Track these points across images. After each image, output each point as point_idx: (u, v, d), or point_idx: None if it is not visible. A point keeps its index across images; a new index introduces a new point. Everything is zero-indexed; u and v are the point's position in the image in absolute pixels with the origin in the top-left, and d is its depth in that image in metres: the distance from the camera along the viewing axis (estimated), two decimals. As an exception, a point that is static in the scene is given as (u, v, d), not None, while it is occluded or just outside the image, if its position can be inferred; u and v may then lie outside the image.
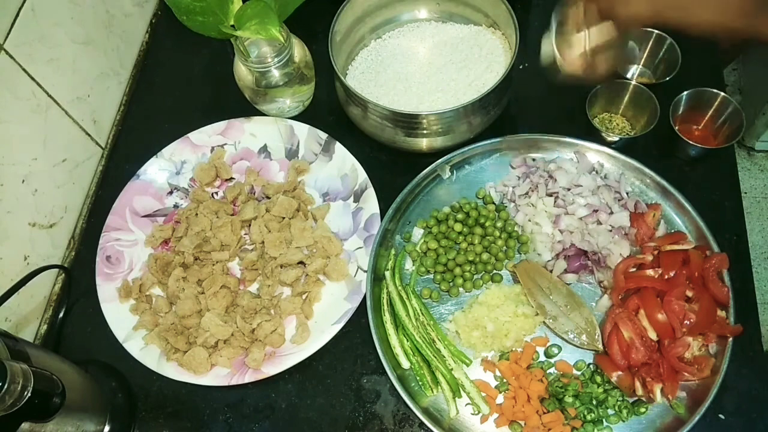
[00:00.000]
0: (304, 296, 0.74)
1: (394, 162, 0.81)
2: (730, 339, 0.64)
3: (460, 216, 0.75)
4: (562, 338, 0.69)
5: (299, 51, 0.80)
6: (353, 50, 0.85)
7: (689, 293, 0.66)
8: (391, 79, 0.81)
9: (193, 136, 0.83)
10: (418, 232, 0.76)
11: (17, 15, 0.68)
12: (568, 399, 0.65)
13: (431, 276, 0.74)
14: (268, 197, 0.80)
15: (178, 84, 0.93)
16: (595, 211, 0.73)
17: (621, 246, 0.71)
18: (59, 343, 0.75)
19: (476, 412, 0.66)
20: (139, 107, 0.91)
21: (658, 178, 0.74)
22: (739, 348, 0.64)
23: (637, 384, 0.64)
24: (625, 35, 0.58)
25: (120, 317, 0.73)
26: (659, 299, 0.66)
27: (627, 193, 0.75)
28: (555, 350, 0.69)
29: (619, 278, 0.69)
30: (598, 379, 0.66)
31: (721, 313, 0.66)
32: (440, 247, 0.74)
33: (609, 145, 0.77)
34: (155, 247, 0.78)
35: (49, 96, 0.75)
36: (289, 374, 0.70)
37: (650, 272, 0.68)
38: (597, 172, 0.77)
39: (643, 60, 0.85)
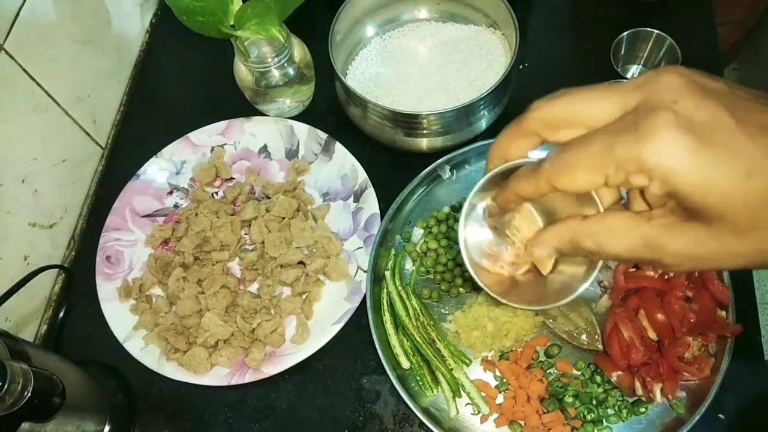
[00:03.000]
0: (304, 296, 0.74)
1: (394, 162, 0.81)
2: (730, 339, 0.64)
3: (460, 216, 0.75)
4: (562, 338, 0.69)
5: (299, 51, 0.80)
6: (353, 50, 0.85)
7: (689, 293, 0.66)
8: (391, 79, 0.81)
9: (193, 136, 0.83)
10: (418, 232, 0.76)
11: (17, 15, 0.68)
12: (568, 399, 0.65)
13: (431, 276, 0.74)
14: (268, 197, 0.80)
15: (178, 84, 0.93)
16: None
17: (621, 246, 0.71)
18: (59, 343, 0.75)
19: (476, 412, 0.66)
20: (139, 107, 0.91)
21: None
22: (739, 348, 0.64)
23: (637, 384, 0.64)
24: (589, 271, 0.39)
25: (120, 317, 0.73)
26: (659, 299, 0.66)
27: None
28: (555, 350, 0.68)
29: (619, 278, 0.68)
30: (598, 378, 0.66)
31: (721, 313, 0.66)
32: (440, 247, 0.74)
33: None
34: (155, 247, 0.78)
35: (49, 96, 0.75)
36: (289, 374, 0.70)
37: (650, 272, 0.68)
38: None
39: (643, 60, 0.85)
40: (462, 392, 0.67)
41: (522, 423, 0.65)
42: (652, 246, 0.31)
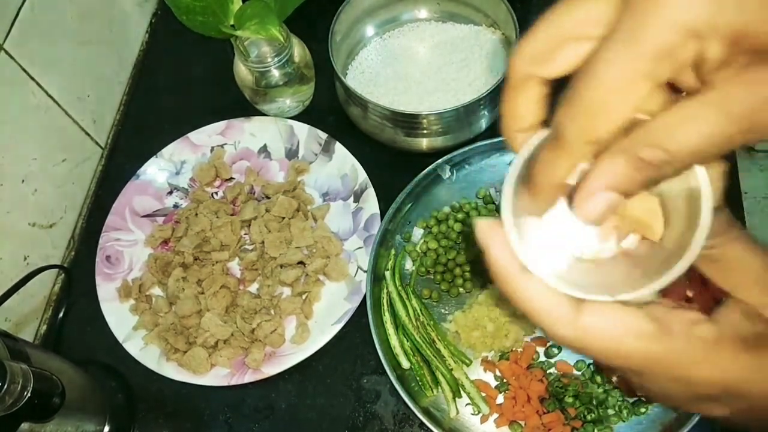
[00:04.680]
0: (304, 296, 0.74)
1: (394, 162, 0.81)
2: (731, 339, 0.64)
3: (460, 216, 0.75)
4: (562, 338, 0.69)
5: (299, 51, 0.80)
6: (353, 50, 0.85)
7: (689, 293, 0.66)
8: (391, 79, 0.81)
9: (193, 136, 0.83)
10: (418, 232, 0.76)
11: (17, 15, 0.68)
12: (569, 399, 0.65)
13: (431, 276, 0.74)
14: (268, 197, 0.80)
15: (177, 84, 0.93)
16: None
17: (621, 246, 0.71)
18: (59, 343, 0.75)
19: (476, 412, 0.66)
20: (138, 107, 0.91)
21: (659, 178, 0.74)
22: (739, 348, 0.64)
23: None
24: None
25: (120, 317, 0.73)
26: (659, 299, 0.66)
27: None
28: (555, 350, 0.68)
29: (620, 278, 0.68)
30: (599, 379, 0.66)
31: (721, 313, 0.66)
32: (440, 247, 0.74)
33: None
34: (155, 247, 0.78)
35: (49, 96, 0.75)
36: (289, 374, 0.70)
37: (650, 272, 0.68)
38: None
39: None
40: (462, 392, 0.67)
41: (522, 423, 0.65)
42: (732, 112, 0.23)
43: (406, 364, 0.68)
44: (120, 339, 0.71)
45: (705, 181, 0.26)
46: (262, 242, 0.76)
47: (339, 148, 0.80)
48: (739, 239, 0.29)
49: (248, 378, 0.68)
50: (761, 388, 0.27)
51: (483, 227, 0.30)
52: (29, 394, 0.49)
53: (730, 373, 0.27)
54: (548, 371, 0.68)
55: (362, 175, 0.78)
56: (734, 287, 0.29)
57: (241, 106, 0.84)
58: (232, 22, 0.73)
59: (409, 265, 0.75)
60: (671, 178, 0.25)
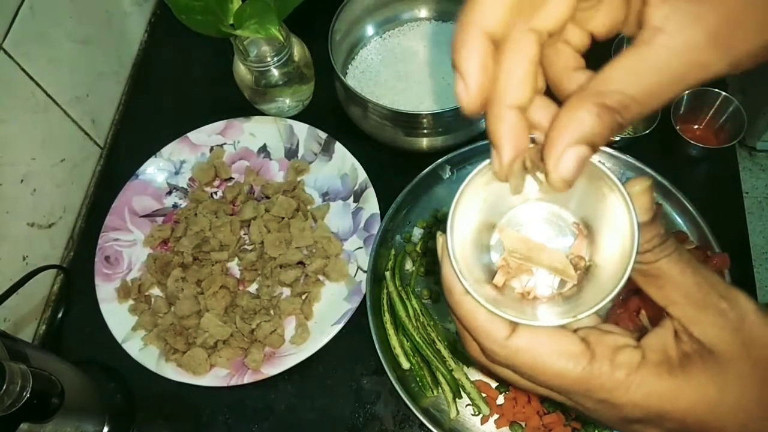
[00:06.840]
0: (303, 297, 0.74)
1: (394, 162, 0.81)
2: (732, 339, 0.64)
3: (460, 216, 0.75)
4: (563, 339, 0.68)
5: (299, 50, 0.79)
6: (353, 50, 0.85)
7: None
8: (391, 79, 0.81)
9: (192, 135, 0.83)
10: (418, 232, 0.76)
11: (16, 14, 0.68)
12: (569, 400, 0.65)
13: (431, 276, 0.74)
14: (268, 197, 0.79)
15: (177, 83, 0.93)
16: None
17: (622, 246, 0.71)
18: (58, 344, 0.74)
19: (477, 413, 0.66)
20: (137, 107, 0.91)
21: (660, 178, 0.74)
22: (740, 348, 0.64)
23: (638, 385, 0.64)
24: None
25: (119, 317, 0.73)
26: (660, 300, 0.66)
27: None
28: (555, 351, 0.68)
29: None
30: (599, 379, 0.66)
31: (722, 314, 0.66)
32: (440, 248, 0.74)
33: (610, 144, 0.77)
34: (154, 247, 0.78)
35: (48, 95, 0.74)
36: (289, 375, 0.70)
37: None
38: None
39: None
40: (462, 393, 0.67)
41: (523, 424, 0.65)
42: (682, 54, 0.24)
43: (406, 365, 0.68)
44: (119, 339, 0.71)
45: (633, 216, 0.27)
46: (262, 242, 0.75)
47: (339, 147, 0.80)
48: (673, 254, 0.29)
49: (248, 379, 0.68)
50: (687, 408, 0.27)
51: (440, 243, 0.30)
52: (28, 395, 0.49)
53: (654, 397, 0.27)
54: (549, 372, 0.67)
55: (362, 175, 0.78)
56: (668, 303, 0.29)
57: (241, 106, 0.84)
58: (231, 22, 0.73)
59: (409, 265, 0.75)
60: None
